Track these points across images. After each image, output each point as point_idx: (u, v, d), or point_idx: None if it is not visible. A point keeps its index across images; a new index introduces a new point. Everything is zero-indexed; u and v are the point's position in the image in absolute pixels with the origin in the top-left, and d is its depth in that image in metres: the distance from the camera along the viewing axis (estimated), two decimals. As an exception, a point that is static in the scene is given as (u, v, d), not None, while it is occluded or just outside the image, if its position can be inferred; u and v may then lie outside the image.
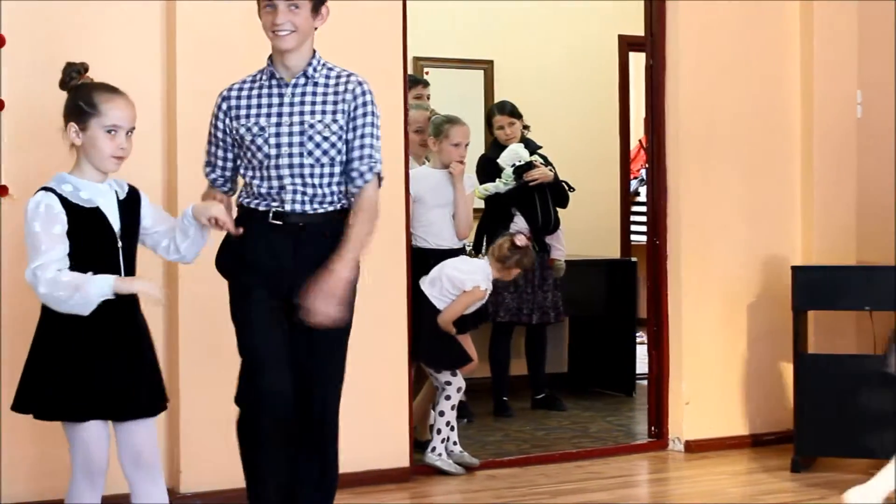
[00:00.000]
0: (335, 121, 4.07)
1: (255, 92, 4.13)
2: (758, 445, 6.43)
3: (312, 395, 4.10)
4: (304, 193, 4.06)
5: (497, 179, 7.28)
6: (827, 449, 5.91)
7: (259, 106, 4.11)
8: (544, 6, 8.77)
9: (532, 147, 7.41)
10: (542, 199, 7.33)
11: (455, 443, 5.97)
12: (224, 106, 4.16)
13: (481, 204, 7.36)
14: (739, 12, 6.48)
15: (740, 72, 6.49)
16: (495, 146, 7.46)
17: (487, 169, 7.33)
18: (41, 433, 4.73)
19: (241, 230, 4.01)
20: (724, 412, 6.44)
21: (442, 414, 5.91)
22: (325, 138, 4.05)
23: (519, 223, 7.29)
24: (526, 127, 7.50)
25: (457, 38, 8.60)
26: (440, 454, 5.89)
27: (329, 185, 4.08)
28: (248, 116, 4.10)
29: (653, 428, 6.52)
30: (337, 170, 4.09)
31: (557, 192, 7.41)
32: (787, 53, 6.60)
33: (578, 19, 8.95)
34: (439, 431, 5.90)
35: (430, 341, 5.87)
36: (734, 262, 6.44)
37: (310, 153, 4.05)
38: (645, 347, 6.83)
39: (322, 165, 4.06)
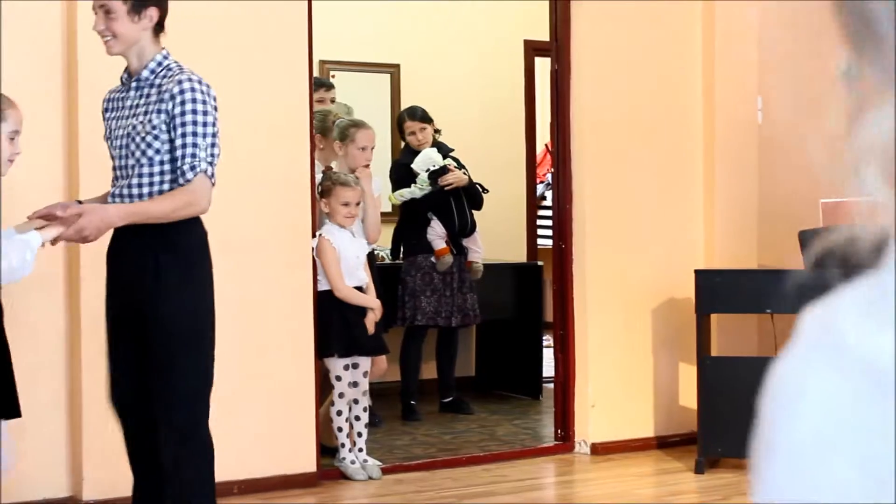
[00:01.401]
0: (150, 120, 4.00)
1: (117, 94, 4.17)
2: (663, 447, 6.50)
3: (154, 415, 4.03)
4: (121, 197, 4.03)
5: (412, 185, 7.29)
6: (730, 450, 5.98)
7: (114, 109, 4.16)
8: (451, 11, 8.79)
9: (445, 151, 7.42)
10: (457, 202, 7.35)
11: (361, 449, 5.95)
12: (103, 106, 4.24)
13: (388, 207, 7.36)
14: (644, 16, 6.54)
15: (645, 76, 6.56)
16: (407, 152, 7.46)
17: (402, 175, 7.34)
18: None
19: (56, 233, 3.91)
20: (630, 414, 6.49)
21: (339, 413, 5.89)
22: (143, 138, 4.01)
23: (436, 228, 7.31)
24: (437, 131, 7.51)
25: (363, 41, 8.59)
26: (344, 458, 5.88)
27: (150, 185, 4.01)
28: (108, 119, 4.17)
29: (559, 431, 6.56)
30: (156, 169, 4.01)
31: (472, 195, 7.44)
32: (691, 57, 6.68)
33: (485, 24, 8.98)
34: (340, 430, 5.89)
35: (329, 330, 5.83)
36: (639, 265, 6.50)
37: (132, 154, 4.02)
38: (551, 351, 6.87)
39: (142, 166, 4.02)
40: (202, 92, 4.00)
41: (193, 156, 3.95)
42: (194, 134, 3.96)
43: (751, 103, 6.72)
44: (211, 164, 3.99)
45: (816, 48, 7.02)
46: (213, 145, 4.00)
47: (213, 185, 4.02)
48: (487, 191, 7.54)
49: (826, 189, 6.85)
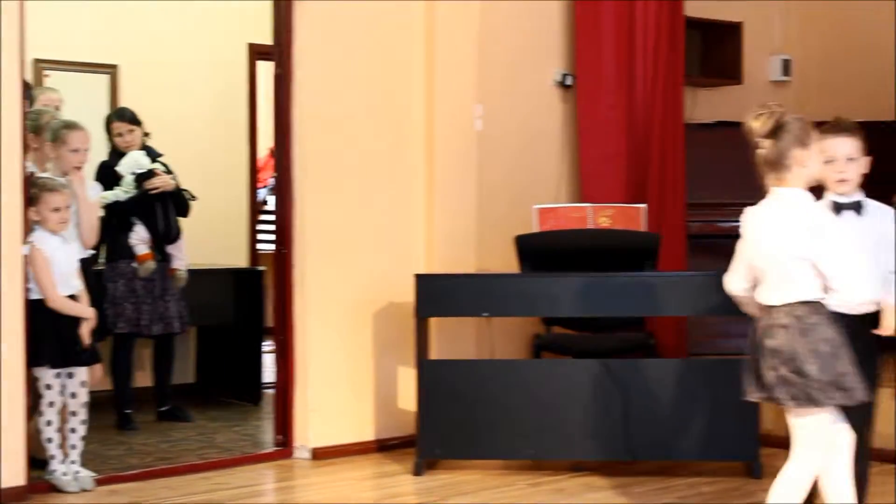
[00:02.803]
0: None
1: None
2: (383, 450, 6.54)
3: None
4: None
5: (117, 187, 7.12)
6: (448, 451, 6.08)
7: None
8: (173, 12, 8.62)
9: (153, 154, 7.29)
10: (163, 207, 7.21)
11: (73, 461, 5.77)
12: None
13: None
14: (367, 20, 6.56)
15: (368, 81, 6.59)
16: (114, 154, 7.28)
17: (107, 177, 7.15)
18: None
19: None
20: (350, 419, 6.52)
21: (49, 424, 5.70)
22: None
23: (139, 232, 7.16)
24: (146, 134, 7.36)
25: (80, 40, 8.34)
26: (55, 470, 5.69)
27: None
28: None
29: (279, 436, 6.52)
30: None
31: (178, 201, 7.32)
32: (413, 62, 6.74)
33: (207, 27, 8.86)
34: (50, 440, 5.70)
35: (41, 340, 5.64)
36: (360, 270, 6.53)
37: None
38: (272, 356, 6.82)
39: None
40: None
41: None
42: None
43: (470, 110, 6.85)
44: None
45: (535, 55, 7.25)
46: None
47: None
48: (195, 198, 7.43)
49: (541, 195, 7.08)
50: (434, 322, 6.39)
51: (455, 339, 6.62)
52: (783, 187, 4.16)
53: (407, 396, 6.49)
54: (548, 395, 5.94)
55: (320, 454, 6.40)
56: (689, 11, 7.69)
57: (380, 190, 6.63)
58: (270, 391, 7.20)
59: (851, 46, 8.48)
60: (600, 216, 6.43)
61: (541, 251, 6.24)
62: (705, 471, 5.99)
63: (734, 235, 7.12)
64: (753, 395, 4.29)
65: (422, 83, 6.76)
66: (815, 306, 4.10)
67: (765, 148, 4.17)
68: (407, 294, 6.26)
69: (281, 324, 6.49)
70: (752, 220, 4.28)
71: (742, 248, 4.32)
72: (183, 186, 7.35)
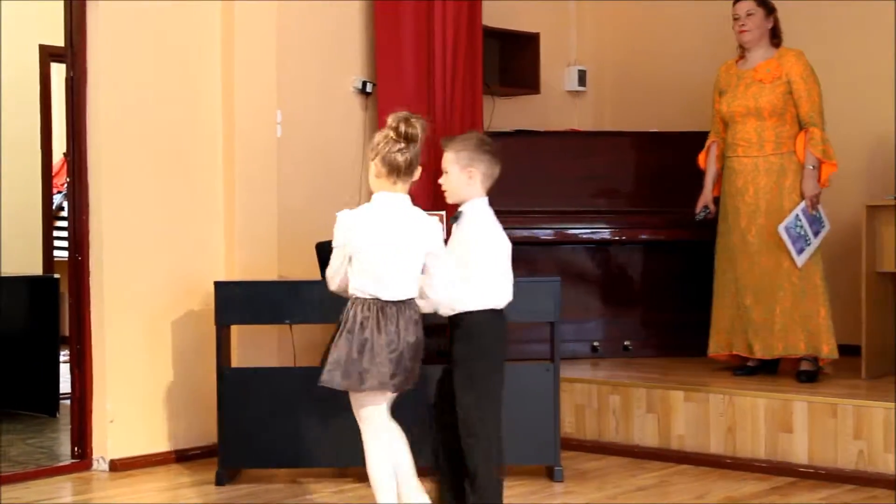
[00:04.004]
0: None
1: None
2: (184, 461, 6.45)
3: None
4: None
5: None
6: (251, 460, 6.03)
7: None
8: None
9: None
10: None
11: None
12: None
13: None
14: (164, 20, 6.45)
15: (166, 85, 6.49)
16: None
17: None
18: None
19: None
20: (150, 429, 6.41)
21: None
22: None
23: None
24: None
25: None
26: None
27: None
28: None
29: (76, 448, 6.37)
30: None
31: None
32: (211, 66, 6.66)
33: (-3, 27, 8.63)
34: None
35: None
36: (159, 278, 6.44)
37: None
38: (69, 366, 6.66)
39: None
40: None
41: None
42: None
43: (270, 115, 6.82)
44: None
45: (336, 60, 7.26)
46: None
47: None
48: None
49: (342, 202, 7.09)
50: (235, 329, 6.34)
51: (257, 346, 6.58)
52: (394, 192, 4.48)
53: (208, 405, 6.41)
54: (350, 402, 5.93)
55: (119, 466, 6.28)
56: (487, 21, 7.82)
57: (179, 196, 6.55)
58: (67, 402, 7.03)
59: (644, 58, 8.75)
60: (402, 223, 6.46)
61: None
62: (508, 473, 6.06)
63: (531, 243, 7.31)
64: (357, 388, 4.72)
65: (221, 87, 6.69)
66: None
67: (404, 153, 4.42)
68: (207, 301, 6.20)
69: (77, 333, 6.34)
70: (363, 222, 4.50)
71: (347, 248, 4.52)
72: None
